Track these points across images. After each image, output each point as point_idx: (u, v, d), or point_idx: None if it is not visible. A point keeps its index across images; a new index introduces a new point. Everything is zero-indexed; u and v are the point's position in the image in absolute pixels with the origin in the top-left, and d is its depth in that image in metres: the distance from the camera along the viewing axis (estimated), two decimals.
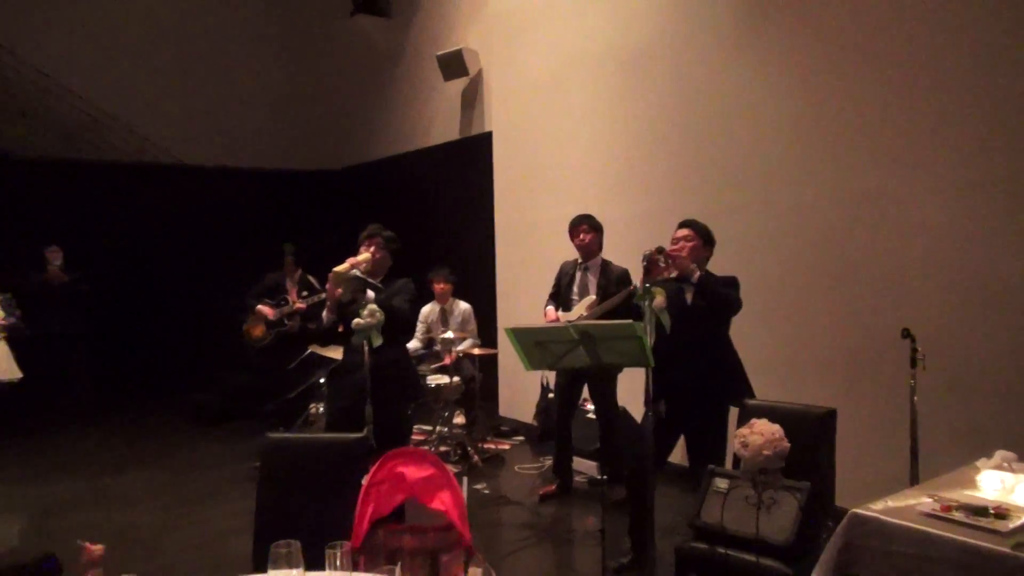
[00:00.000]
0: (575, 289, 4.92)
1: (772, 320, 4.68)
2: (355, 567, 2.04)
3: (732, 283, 3.62)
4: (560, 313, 4.89)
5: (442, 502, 2.64)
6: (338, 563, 1.87)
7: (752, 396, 3.52)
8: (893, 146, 4.14)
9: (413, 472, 2.70)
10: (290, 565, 1.81)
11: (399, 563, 1.80)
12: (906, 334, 3.63)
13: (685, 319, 3.49)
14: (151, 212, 9.00)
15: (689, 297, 3.57)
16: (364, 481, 2.71)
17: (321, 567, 1.88)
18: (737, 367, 3.65)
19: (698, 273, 3.52)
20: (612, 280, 4.76)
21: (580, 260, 4.94)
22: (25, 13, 8.32)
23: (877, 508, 2.31)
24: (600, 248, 4.95)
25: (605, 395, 4.84)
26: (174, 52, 9.31)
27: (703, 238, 3.70)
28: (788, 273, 4.66)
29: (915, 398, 3.58)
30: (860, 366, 4.27)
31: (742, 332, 4.78)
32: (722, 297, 3.52)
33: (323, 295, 4.58)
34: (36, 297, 7.28)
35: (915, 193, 4.05)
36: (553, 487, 5.09)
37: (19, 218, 8.12)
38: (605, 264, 4.89)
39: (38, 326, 7.25)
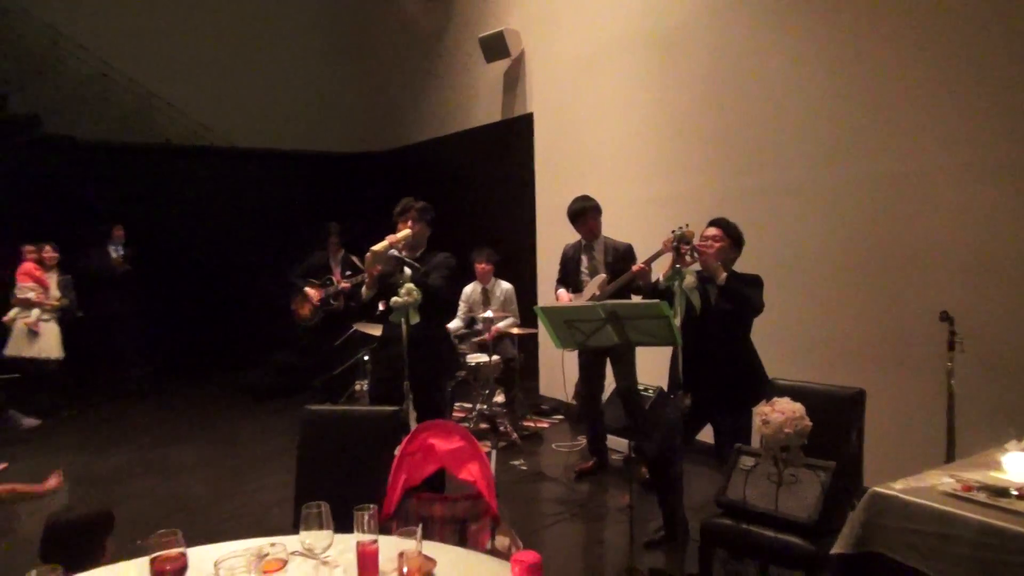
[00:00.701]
0: (583, 270, 4.97)
1: (806, 302, 4.66)
2: (388, 533, 2.13)
3: (756, 283, 3.56)
4: (572, 295, 4.95)
5: (470, 473, 2.74)
6: (366, 525, 1.96)
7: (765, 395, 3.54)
8: (931, 127, 4.06)
9: (443, 444, 2.80)
10: (320, 526, 1.91)
11: (420, 525, 1.88)
12: (944, 317, 3.59)
13: (708, 318, 3.47)
14: (203, 193, 9.31)
15: (713, 298, 3.54)
16: (397, 452, 2.83)
17: (352, 530, 1.98)
18: (757, 367, 3.61)
19: (724, 275, 3.48)
20: (619, 256, 4.79)
21: (584, 241, 4.96)
22: (87, 4, 8.67)
23: (898, 487, 2.32)
24: (601, 228, 4.99)
25: (625, 374, 4.88)
26: (225, 40, 9.58)
27: (732, 238, 3.65)
28: (823, 255, 4.62)
29: (952, 381, 3.54)
30: (895, 348, 4.23)
31: (776, 314, 4.77)
32: (745, 299, 3.47)
33: (364, 275, 4.69)
34: (97, 279, 7.63)
35: (952, 175, 3.97)
36: (589, 464, 5.17)
37: (83, 198, 8.50)
38: (607, 241, 4.93)
39: (99, 306, 7.63)
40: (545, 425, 6.50)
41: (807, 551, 2.64)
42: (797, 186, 4.77)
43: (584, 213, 4.87)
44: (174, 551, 1.79)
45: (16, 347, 6.86)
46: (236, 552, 1.79)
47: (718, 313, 3.49)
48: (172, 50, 9.18)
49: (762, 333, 4.69)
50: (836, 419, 2.93)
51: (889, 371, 4.20)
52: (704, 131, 5.42)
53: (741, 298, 3.45)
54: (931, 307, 3.63)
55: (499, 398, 6.42)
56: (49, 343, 6.92)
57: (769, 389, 3.17)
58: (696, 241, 3.53)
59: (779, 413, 2.57)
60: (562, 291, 5.06)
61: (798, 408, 2.61)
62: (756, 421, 2.73)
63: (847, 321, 4.50)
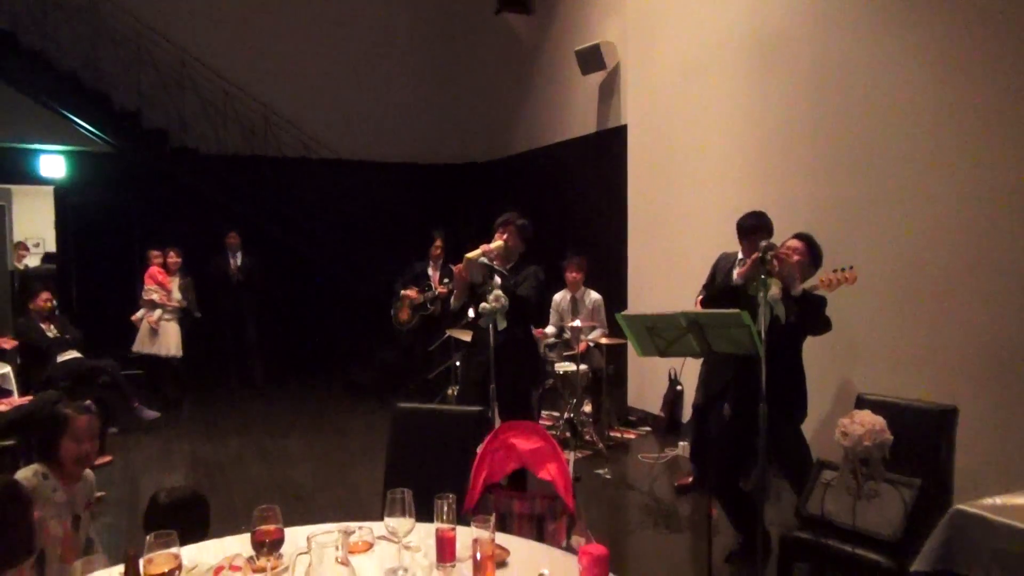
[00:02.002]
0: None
1: (905, 315, 4.51)
2: (468, 525, 2.25)
3: (821, 302, 3.48)
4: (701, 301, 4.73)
5: (549, 472, 2.85)
6: (444, 514, 2.09)
7: (805, 415, 3.50)
8: None
9: (524, 443, 2.92)
10: (403, 512, 2.06)
11: (494, 515, 2.01)
12: None
13: (771, 330, 3.42)
14: (314, 202, 9.84)
15: (783, 311, 3.48)
16: (479, 449, 2.97)
17: (429, 522, 2.10)
18: (802, 386, 3.56)
19: (800, 287, 3.42)
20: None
21: (742, 256, 4.51)
22: (215, 30, 9.45)
23: (984, 505, 2.26)
24: None
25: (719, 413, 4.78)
26: (335, 59, 10.18)
27: (812, 256, 3.58)
28: (924, 266, 4.45)
29: None
30: (998, 364, 4.03)
31: (871, 326, 4.65)
32: (820, 317, 3.41)
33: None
34: (217, 283, 8.25)
35: None
36: (689, 478, 5.10)
37: (206, 206, 9.19)
38: None
39: (219, 307, 8.24)
40: (632, 436, 6.51)
41: (888, 568, 2.60)
42: (899, 196, 4.62)
43: (756, 231, 4.29)
44: (272, 526, 1.99)
45: (141, 344, 7.50)
46: (328, 529, 1.97)
47: (784, 325, 3.44)
48: (288, 70, 9.84)
49: (856, 346, 4.59)
50: (925, 436, 2.86)
51: (987, 388, 4.01)
52: (804, 139, 5.32)
53: (815, 312, 3.39)
54: None
55: (587, 407, 6.48)
56: (169, 341, 7.51)
57: (858, 402, 3.13)
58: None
59: (859, 425, 2.55)
60: (701, 297, 4.80)
61: (879, 421, 2.58)
62: (836, 433, 2.71)
63: (944, 335, 4.32)
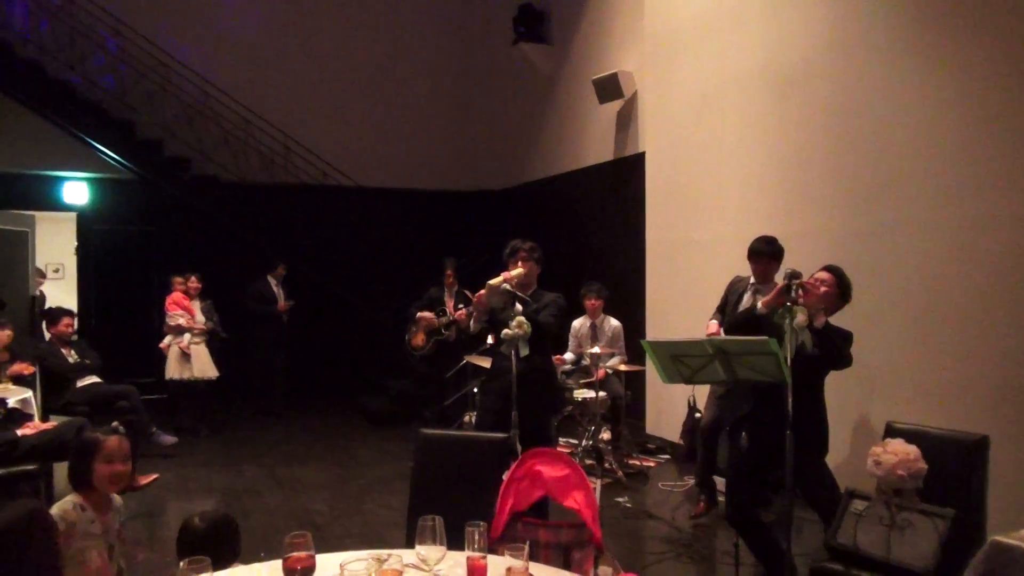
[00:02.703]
0: (741, 307, 4.85)
1: (930, 343, 4.47)
2: (494, 555, 2.24)
3: (848, 338, 3.43)
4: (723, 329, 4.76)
5: (575, 501, 2.82)
6: (476, 543, 2.07)
7: (826, 451, 3.44)
8: None
9: (550, 471, 2.90)
10: (434, 539, 2.05)
11: (528, 543, 1.99)
12: None
13: (796, 358, 3.39)
14: (331, 230, 9.93)
15: (808, 342, 3.39)
16: (505, 477, 2.95)
17: (462, 549, 2.08)
18: (823, 421, 3.49)
19: (823, 319, 3.38)
20: None
21: (754, 281, 4.72)
22: (237, 62, 9.69)
23: (1022, 536, 2.22)
24: (776, 274, 4.71)
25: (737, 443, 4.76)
26: (353, 88, 10.38)
27: (841, 289, 3.53)
28: (952, 294, 4.41)
29: None
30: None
31: (898, 356, 4.61)
32: (839, 351, 3.36)
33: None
34: (257, 309, 8.36)
35: None
36: (701, 506, 5.08)
37: (225, 233, 9.28)
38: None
39: (262, 335, 8.41)
40: (651, 464, 6.45)
41: None
42: (923, 224, 4.59)
43: (761, 256, 4.60)
44: (303, 553, 1.98)
45: (172, 370, 7.52)
46: (360, 556, 1.96)
47: (806, 356, 3.38)
48: (307, 99, 10.03)
49: (884, 376, 4.54)
50: (956, 466, 2.82)
51: (1016, 417, 3.96)
52: (822, 168, 5.33)
53: (834, 347, 3.34)
54: None
55: (605, 435, 6.44)
56: (203, 364, 7.55)
57: (888, 432, 3.10)
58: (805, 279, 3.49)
59: (891, 455, 2.52)
60: (713, 322, 4.90)
61: (912, 450, 2.54)
62: (868, 462, 2.68)
63: (975, 364, 4.27)
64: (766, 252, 4.57)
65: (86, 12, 8.70)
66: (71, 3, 8.66)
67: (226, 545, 2.66)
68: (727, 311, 4.88)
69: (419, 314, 7.45)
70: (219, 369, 7.66)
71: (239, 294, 8.37)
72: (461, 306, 7.26)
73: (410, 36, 10.78)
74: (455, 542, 2.08)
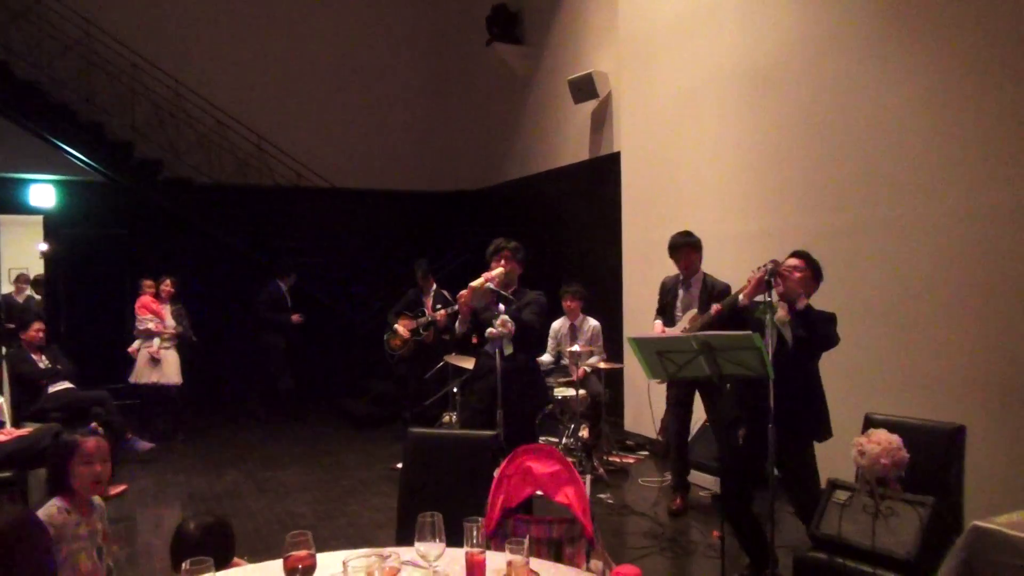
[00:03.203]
0: (679, 304, 5.08)
1: (907, 337, 4.59)
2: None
3: (831, 320, 3.53)
4: (665, 327, 5.04)
5: (566, 496, 2.85)
6: (475, 538, 2.09)
7: (830, 434, 3.50)
8: None
9: (540, 467, 2.92)
10: (433, 535, 2.06)
11: (526, 537, 2.01)
12: None
13: (778, 352, 3.44)
14: (307, 231, 9.86)
15: (791, 329, 3.51)
16: (495, 474, 2.97)
17: (454, 546, 2.09)
18: (822, 403, 3.57)
19: (805, 301, 3.48)
20: (714, 294, 4.83)
21: (682, 277, 5.09)
22: (209, 62, 9.55)
23: (1001, 521, 2.30)
24: (700, 264, 5.06)
25: (716, 408, 4.90)
26: (328, 89, 10.31)
27: (813, 271, 3.65)
28: (924, 291, 4.54)
29: None
30: (999, 385, 4.11)
31: (875, 351, 4.72)
32: (823, 332, 3.45)
33: (456, 307, 4.87)
34: (267, 312, 8.34)
35: None
36: (680, 501, 5.15)
37: (198, 236, 9.16)
38: (705, 278, 5.01)
39: (260, 336, 8.40)
40: (631, 460, 6.52)
41: None
42: (897, 221, 4.71)
43: (679, 248, 5.03)
44: (303, 552, 1.99)
45: (139, 375, 7.41)
46: (361, 554, 1.97)
47: (793, 341, 3.48)
48: (280, 100, 9.94)
49: (861, 369, 4.64)
50: (934, 455, 2.91)
51: (992, 407, 4.08)
52: (798, 167, 5.44)
53: (818, 328, 3.43)
54: None
55: (583, 433, 6.48)
56: (169, 370, 7.43)
57: (866, 423, 3.18)
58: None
59: (875, 444, 2.59)
60: (658, 322, 5.17)
61: (895, 439, 2.62)
62: (852, 452, 2.75)
63: (949, 357, 4.39)
64: (683, 244, 4.99)
65: (54, 12, 8.54)
66: (38, 3, 8.49)
67: (221, 550, 2.65)
68: (665, 312, 5.15)
69: (395, 326, 7.43)
70: (185, 374, 7.57)
71: (251, 296, 8.44)
72: (439, 306, 7.27)
73: (384, 37, 10.74)
74: (448, 540, 2.09)
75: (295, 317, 8.40)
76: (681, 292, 5.07)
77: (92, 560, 2.45)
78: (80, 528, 2.46)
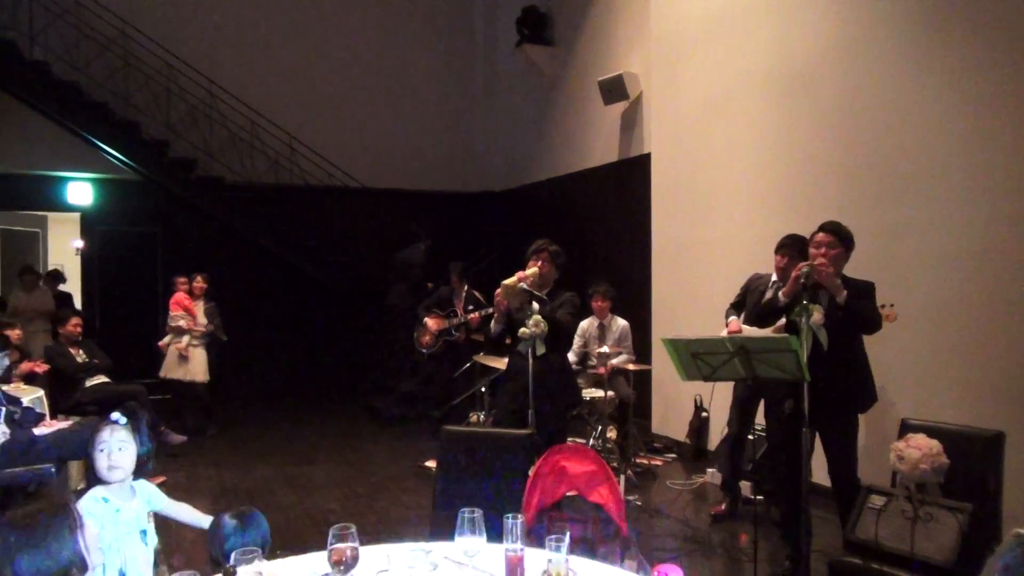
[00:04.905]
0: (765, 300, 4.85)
1: (944, 342, 4.54)
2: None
3: (870, 290, 3.51)
4: (744, 326, 4.73)
5: (601, 496, 2.87)
6: (516, 532, 2.11)
7: (875, 399, 3.56)
8: None
9: (575, 466, 2.94)
10: (473, 530, 2.09)
11: (567, 533, 2.03)
12: None
13: (813, 355, 3.36)
14: (337, 231, 9.96)
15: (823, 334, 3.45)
16: (531, 472, 2.99)
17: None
18: (867, 374, 3.58)
19: (844, 293, 3.44)
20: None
21: (776, 279, 4.60)
22: (242, 63, 9.71)
23: None
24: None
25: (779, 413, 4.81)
26: (360, 90, 10.44)
27: (842, 240, 3.60)
28: (964, 294, 4.48)
29: None
30: None
31: (914, 354, 4.67)
32: (866, 319, 3.45)
33: (491, 309, 4.88)
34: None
35: None
36: (723, 506, 5.08)
37: (231, 234, 9.30)
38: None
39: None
40: (658, 463, 6.50)
41: None
42: (933, 224, 4.66)
43: (784, 247, 4.55)
44: (347, 544, 2.03)
45: (167, 369, 7.54)
46: (404, 548, 2.00)
47: (835, 322, 3.43)
48: (311, 101, 10.07)
49: (895, 374, 4.60)
50: (972, 461, 2.88)
51: None
52: (833, 169, 5.39)
53: (862, 319, 3.43)
54: None
55: (611, 434, 6.48)
56: (196, 367, 7.54)
57: (903, 427, 3.16)
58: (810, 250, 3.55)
59: (915, 449, 2.57)
60: (733, 319, 4.87)
61: (935, 444, 2.60)
62: (891, 457, 2.73)
63: (987, 363, 4.33)
64: (790, 245, 4.50)
65: (92, 13, 8.71)
66: (77, 4, 8.67)
67: (260, 541, 2.69)
68: (745, 307, 4.86)
69: (425, 320, 7.45)
70: (215, 371, 7.65)
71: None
72: (471, 307, 7.29)
73: (415, 38, 10.83)
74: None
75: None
76: (770, 294, 4.61)
77: (138, 544, 2.51)
78: (121, 514, 2.51)
